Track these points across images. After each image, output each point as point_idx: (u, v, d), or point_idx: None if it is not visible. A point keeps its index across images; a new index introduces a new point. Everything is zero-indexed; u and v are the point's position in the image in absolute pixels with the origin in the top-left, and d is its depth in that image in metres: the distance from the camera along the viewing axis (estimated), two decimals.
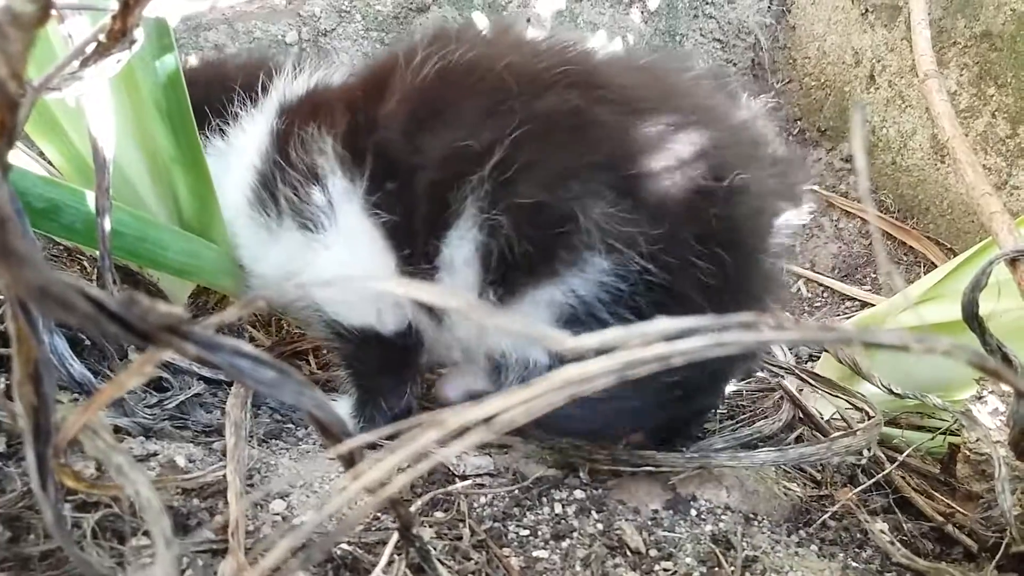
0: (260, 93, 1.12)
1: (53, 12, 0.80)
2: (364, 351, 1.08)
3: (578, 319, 0.93)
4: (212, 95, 1.12)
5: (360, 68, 1.17)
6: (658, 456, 1.01)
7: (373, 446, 0.96)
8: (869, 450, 1.08)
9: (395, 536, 0.79)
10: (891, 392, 1.18)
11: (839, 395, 1.19)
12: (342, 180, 1.00)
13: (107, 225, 0.90)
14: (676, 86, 1.02)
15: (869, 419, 1.08)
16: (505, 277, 0.94)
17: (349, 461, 0.56)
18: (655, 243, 0.88)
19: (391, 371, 1.11)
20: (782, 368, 1.24)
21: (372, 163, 0.98)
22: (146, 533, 0.72)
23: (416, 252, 0.98)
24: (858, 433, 1.05)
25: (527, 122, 0.89)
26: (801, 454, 1.04)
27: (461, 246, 0.95)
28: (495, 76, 0.92)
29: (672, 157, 0.89)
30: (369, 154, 0.97)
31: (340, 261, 1.03)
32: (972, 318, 0.90)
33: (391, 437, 0.42)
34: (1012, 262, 0.94)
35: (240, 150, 1.10)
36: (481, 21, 2.15)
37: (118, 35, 0.68)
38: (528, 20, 2.22)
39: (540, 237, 0.91)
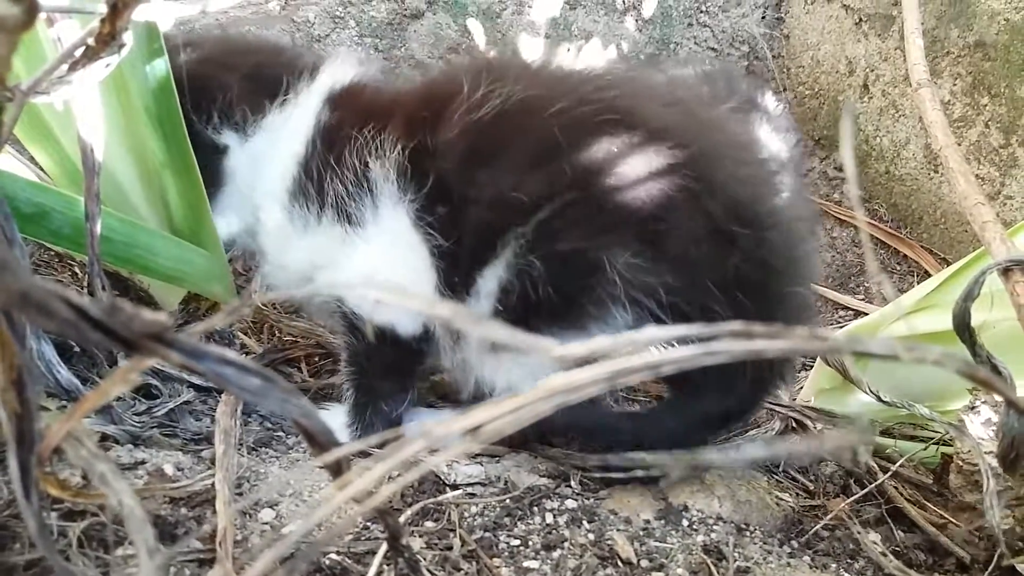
0: (316, 78, 1.14)
1: (42, 15, 0.80)
2: (376, 350, 1.08)
3: None
4: (286, 66, 1.14)
5: (417, 80, 1.22)
6: (648, 459, 1.00)
7: (364, 454, 0.96)
8: (863, 460, 1.07)
9: (384, 546, 0.78)
10: (880, 399, 1.18)
11: (835, 425, 1.19)
12: (394, 187, 1.04)
13: (96, 230, 0.89)
14: (708, 122, 1.06)
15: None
16: (527, 320, 0.97)
17: (336, 470, 0.55)
18: (674, 293, 0.92)
19: (397, 374, 1.11)
20: (779, 406, 1.23)
21: (432, 183, 1.01)
22: (132, 542, 0.71)
23: (460, 279, 1.01)
24: (849, 434, 1.04)
25: (573, 185, 0.94)
26: (790, 449, 1.03)
27: (490, 281, 0.99)
28: (546, 124, 0.96)
29: (699, 210, 0.93)
30: (430, 175, 1.01)
31: (379, 259, 1.06)
32: (963, 328, 0.90)
33: (379, 446, 0.42)
34: (1005, 272, 0.94)
35: (289, 133, 1.11)
36: (476, 28, 2.15)
37: (107, 39, 0.67)
38: (568, 50, 2.27)
39: (570, 287, 0.95)
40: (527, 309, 0.96)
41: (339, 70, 1.15)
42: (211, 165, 1.12)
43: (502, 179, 0.97)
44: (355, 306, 1.06)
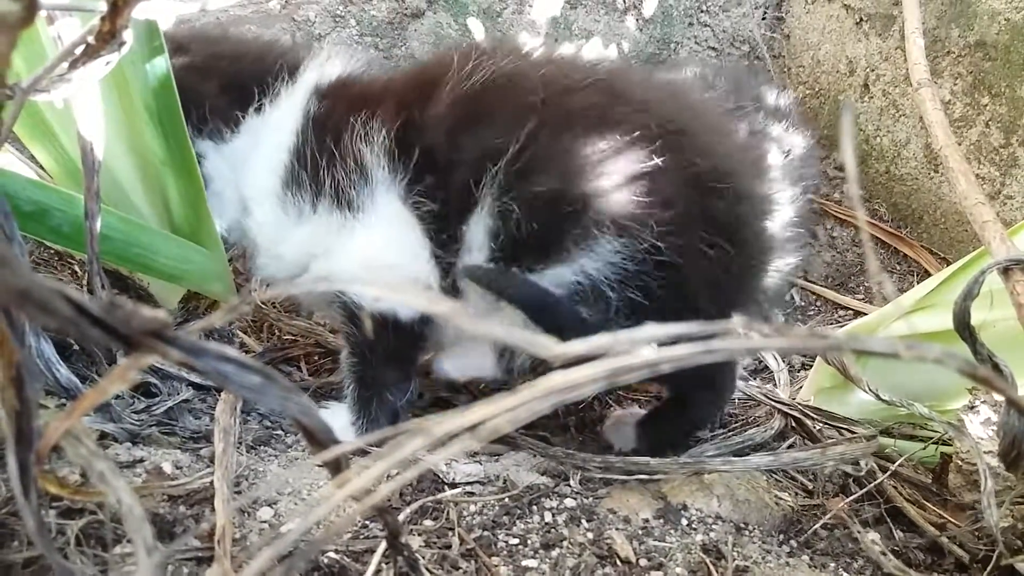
0: (298, 73, 1.14)
1: (42, 13, 0.80)
2: (379, 338, 1.09)
3: (584, 296, 0.99)
4: (259, 72, 1.13)
5: (407, 66, 1.27)
6: (652, 463, 1.00)
7: (363, 452, 0.96)
8: (864, 465, 1.08)
9: (383, 544, 0.78)
10: (879, 398, 1.18)
11: (839, 425, 1.20)
12: (385, 171, 1.05)
13: (96, 229, 0.89)
14: (694, 104, 1.12)
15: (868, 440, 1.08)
16: (516, 256, 1.00)
17: (335, 468, 0.55)
18: (666, 224, 0.95)
19: (399, 361, 1.12)
20: (783, 404, 1.23)
21: (418, 157, 1.03)
22: (130, 540, 0.71)
23: (449, 237, 1.04)
24: (853, 442, 1.05)
25: (548, 119, 0.97)
26: (795, 458, 1.04)
27: (478, 229, 1.01)
28: (530, 83, 1.00)
29: (684, 155, 0.97)
30: (417, 149, 1.03)
31: (377, 245, 1.07)
32: (964, 327, 0.90)
33: (378, 444, 0.42)
34: (1005, 271, 0.94)
35: (273, 128, 1.11)
36: (476, 27, 2.15)
37: (107, 37, 0.67)
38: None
39: (553, 222, 0.97)
40: (515, 247, 0.99)
41: (325, 64, 1.15)
42: None
43: (484, 135, 1.00)
44: (355, 295, 1.07)
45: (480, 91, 1.01)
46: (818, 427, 1.21)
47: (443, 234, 1.04)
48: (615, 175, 0.95)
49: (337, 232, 1.07)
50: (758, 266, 1.07)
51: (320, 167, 1.06)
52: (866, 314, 1.74)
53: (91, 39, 0.68)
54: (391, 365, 1.11)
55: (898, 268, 2.16)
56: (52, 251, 1.30)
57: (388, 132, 1.04)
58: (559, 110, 0.98)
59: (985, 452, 0.91)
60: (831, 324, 1.99)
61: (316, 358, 1.36)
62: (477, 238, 1.02)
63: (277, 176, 1.10)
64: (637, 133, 0.96)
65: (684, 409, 1.15)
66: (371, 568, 0.76)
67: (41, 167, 1.15)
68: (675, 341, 0.38)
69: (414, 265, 1.05)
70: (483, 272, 1.00)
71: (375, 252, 1.07)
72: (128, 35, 0.69)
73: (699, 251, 0.96)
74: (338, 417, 1.10)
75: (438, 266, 1.05)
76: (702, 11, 2.41)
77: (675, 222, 0.95)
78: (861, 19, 2.22)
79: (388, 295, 0.90)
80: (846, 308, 2.04)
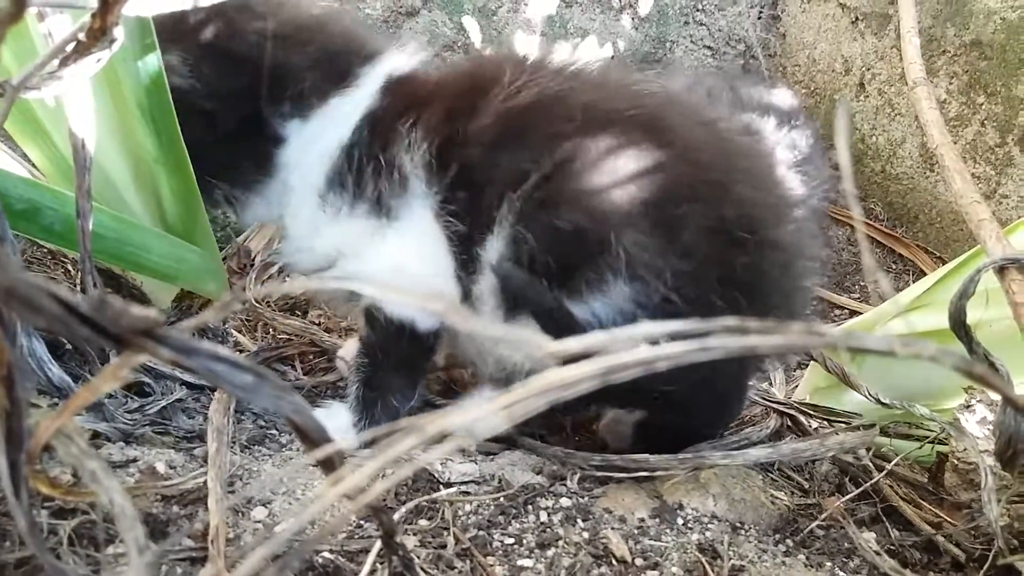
0: (376, 64, 1.11)
1: (32, 10, 0.79)
2: (393, 343, 1.09)
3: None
4: (355, 52, 1.11)
5: (459, 63, 1.21)
6: (652, 460, 1.00)
7: (368, 446, 0.96)
8: (868, 450, 1.08)
9: (378, 544, 0.78)
10: (878, 402, 1.18)
11: (835, 419, 1.20)
12: (422, 182, 1.04)
13: (88, 227, 0.89)
14: (734, 146, 1.09)
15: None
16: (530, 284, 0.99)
17: (329, 467, 0.55)
18: (681, 276, 0.94)
19: (408, 369, 1.12)
20: (780, 403, 1.23)
21: (455, 173, 1.02)
22: (123, 540, 0.71)
23: (470, 259, 1.03)
24: (851, 431, 1.05)
25: (581, 151, 0.96)
26: (794, 449, 1.04)
27: (489, 253, 1.01)
28: (572, 110, 0.98)
29: (712, 207, 0.96)
30: (454, 165, 1.02)
31: (407, 253, 1.06)
32: (959, 326, 0.90)
33: (372, 442, 0.42)
34: (1000, 270, 0.94)
35: (341, 120, 1.09)
36: (471, 26, 2.15)
37: (98, 34, 0.67)
38: (612, 56, 2.29)
39: (570, 259, 0.96)
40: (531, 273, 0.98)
41: (400, 58, 1.13)
42: (266, 155, 1.10)
43: (516, 156, 0.98)
44: (375, 298, 1.06)
45: (522, 110, 1.00)
46: (814, 425, 1.21)
47: (464, 256, 1.03)
48: (639, 221, 0.94)
49: (370, 237, 1.07)
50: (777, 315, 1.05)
51: (366, 169, 1.05)
52: (862, 313, 1.74)
53: (82, 36, 0.68)
54: (400, 372, 1.11)
55: (894, 267, 2.16)
56: (44, 250, 1.30)
57: (428, 144, 1.03)
58: (594, 143, 0.97)
59: (981, 451, 0.91)
60: (827, 324, 1.99)
61: (311, 357, 1.35)
62: (488, 260, 1.01)
63: (324, 171, 1.08)
64: (670, 180, 0.95)
65: (686, 418, 1.14)
66: (366, 568, 0.75)
67: (33, 165, 1.15)
68: (671, 339, 0.38)
69: (438, 280, 1.05)
70: (515, 276, 0.98)
71: (404, 260, 1.06)
72: (119, 32, 0.69)
73: (713, 304, 0.95)
74: (340, 417, 1.09)
75: (459, 286, 1.05)
76: (697, 10, 2.41)
77: (692, 274, 0.94)
78: (857, 18, 2.22)
79: (391, 296, 0.90)
80: (842, 308, 2.05)
